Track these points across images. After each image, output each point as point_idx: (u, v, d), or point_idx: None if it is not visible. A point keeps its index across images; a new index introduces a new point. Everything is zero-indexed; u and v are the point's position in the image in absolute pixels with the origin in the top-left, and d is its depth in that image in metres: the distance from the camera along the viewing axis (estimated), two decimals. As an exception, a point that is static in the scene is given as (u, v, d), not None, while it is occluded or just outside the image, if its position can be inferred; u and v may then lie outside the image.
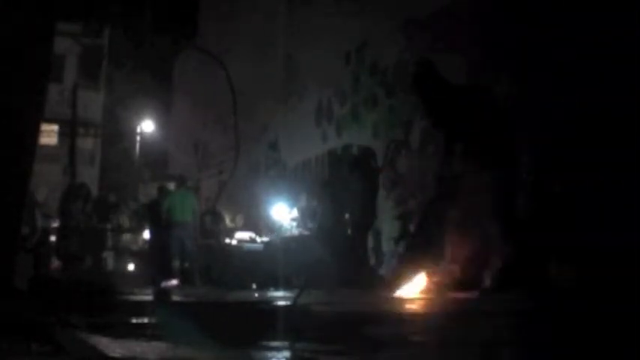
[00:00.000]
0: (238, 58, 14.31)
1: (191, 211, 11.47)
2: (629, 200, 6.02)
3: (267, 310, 5.78)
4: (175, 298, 7.98)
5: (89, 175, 22.13)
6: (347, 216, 10.25)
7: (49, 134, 23.09)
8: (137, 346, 3.13)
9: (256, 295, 8.79)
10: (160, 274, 10.92)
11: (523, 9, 7.47)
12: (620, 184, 6.16)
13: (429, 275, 7.03)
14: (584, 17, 6.64)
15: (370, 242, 10.43)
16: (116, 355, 2.85)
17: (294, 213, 11.84)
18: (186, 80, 21.59)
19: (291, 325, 3.90)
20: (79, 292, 6.14)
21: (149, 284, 10.08)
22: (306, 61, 13.48)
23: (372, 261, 10.46)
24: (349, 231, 10.23)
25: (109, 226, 13.86)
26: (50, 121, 21.89)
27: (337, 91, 12.38)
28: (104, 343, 3.08)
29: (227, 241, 11.99)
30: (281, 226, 11.85)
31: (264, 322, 4.30)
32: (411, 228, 9.22)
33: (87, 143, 25.04)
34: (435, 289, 6.91)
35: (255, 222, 13.50)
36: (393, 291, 7.15)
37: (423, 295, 6.88)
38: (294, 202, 12.12)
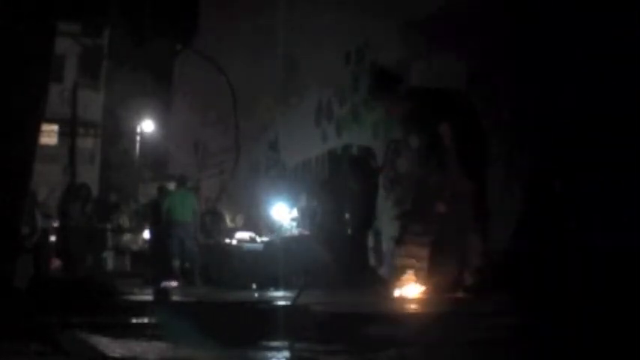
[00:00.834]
0: (238, 58, 14.29)
1: (191, 211, 11.47)
2: (630, 200, 6.02)
3: (267, 310, 5.78)
4: (175, 298, 7.97)
5: (89, 175, 22.09)
6: (347, 216, 10.25)
7: (49, 134, 23.11)
8: (137, 346, 3.14)
9: (256, 295, 8.79)
10: (160, 274, 10.92)
11: (523, 9, 7.47)
12: (620, 184, 6.16)
13: (424, 276, 7.07)
14: (585, 17, 6.64)
15: (370, 242, 10.42)
16: (116, 355, 2.86)
17: (294, 213, 11.83)
18: (186, 80, 21.56)
19: (290, 325, 3.91)
20: (79, 292, 6.13)
21: (149, 284, 10.08)
22: (306, 61, 13.46)
23: (372, 261, 10.45)
24: (349, 231, 10.23)
25: (109, 226, 13.86)
26: (50, 121, 21.90)
27: (337, 91, 12.36)
28: (104, 343, 3.08)
29: (227, 241, 11.98)
30: (281, 226, 11.83)
31: (264, 322, 4.30)
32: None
33: (87, 143, 25.04)
34: (432, 290, 6.93)
35: (255, 222, 13.47)
36: (393, 291, 7.16)
37: (422, 296, 6.89)
38: (294, 202, 12.11)
